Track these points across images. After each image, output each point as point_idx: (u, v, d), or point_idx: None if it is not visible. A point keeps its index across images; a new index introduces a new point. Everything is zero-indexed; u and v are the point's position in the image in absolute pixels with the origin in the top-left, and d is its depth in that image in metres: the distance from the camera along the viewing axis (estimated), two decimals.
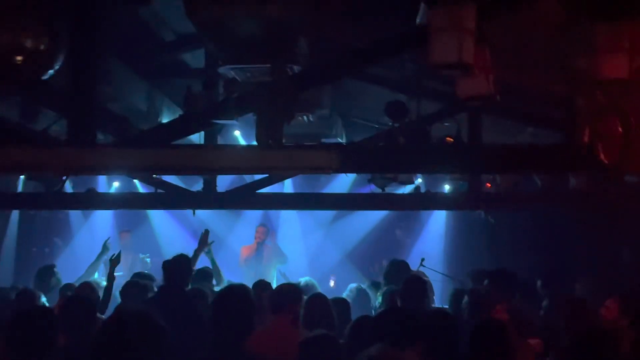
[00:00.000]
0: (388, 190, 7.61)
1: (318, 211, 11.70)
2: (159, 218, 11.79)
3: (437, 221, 12.30)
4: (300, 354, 4.34)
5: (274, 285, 9.48)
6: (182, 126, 4.77)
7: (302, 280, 7.68)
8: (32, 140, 5.17)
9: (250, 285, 8.02)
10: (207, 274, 7.56)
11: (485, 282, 6.94)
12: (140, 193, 8.89)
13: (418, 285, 6.42)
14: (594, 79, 3.37)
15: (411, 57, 6.05)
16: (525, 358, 4.94)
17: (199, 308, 6.00)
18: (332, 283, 10.10)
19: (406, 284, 6.39)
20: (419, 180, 8.85)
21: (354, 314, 6.40)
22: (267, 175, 6.79)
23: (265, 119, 4.43)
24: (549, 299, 6.86)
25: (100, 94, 5.04)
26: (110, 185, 10.62)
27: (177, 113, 7.89)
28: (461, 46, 3.03)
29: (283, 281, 9.42)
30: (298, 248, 12.02)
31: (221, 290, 5.41)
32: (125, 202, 7.56)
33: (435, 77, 6.71)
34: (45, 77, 4.45)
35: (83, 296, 5.63)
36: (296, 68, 5.03)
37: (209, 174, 6.20)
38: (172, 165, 4.26)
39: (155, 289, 7.29)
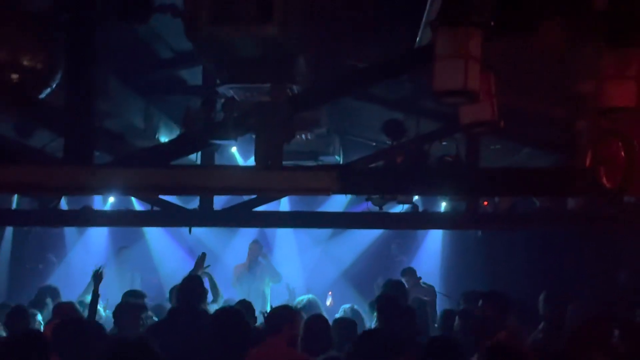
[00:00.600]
0: (385, 208, 7.59)
1: (314, 229, 11.64)
2: (154, 235, 11.72)
3: (434, 239, 12.26)
4: None
5: (268, 303, 9.44)
6: (180, 146, 4.73)
7: (305, 297, 7.63)
8: (29, 159, 5.11)
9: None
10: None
11: (480, 303, 6.90)
12: (136, 210, 8.84)
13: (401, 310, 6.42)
14: (599, 106, 3.35)
15: (409, 76, 6.04)
16: None
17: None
18: (329, 301, 10.03)
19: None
20: (416, 198, 8.83)
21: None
22: None
23: (264, 139, 4.39)
24: (547, 322, 6.80)
25: (96, 111, 4.99)
26: (105, 201, 10.56)
27: (175, 130, 7.86)
28: (466, 73, 3.00)
29: (288, 297, 9.37)
30: (294, 265, 11.96)
31: (215, 314, 5.39)
32: (121, 219, 7.50)
33: (433, 97, 6.70)
34: (42, 95, 4.41)
35: (73, 318, 5.56)
36: (296, 88, 5.01)
37: (208, 194, 6.16)
38: (171, 186, 4.22)
39: (148, 307, 7.26)
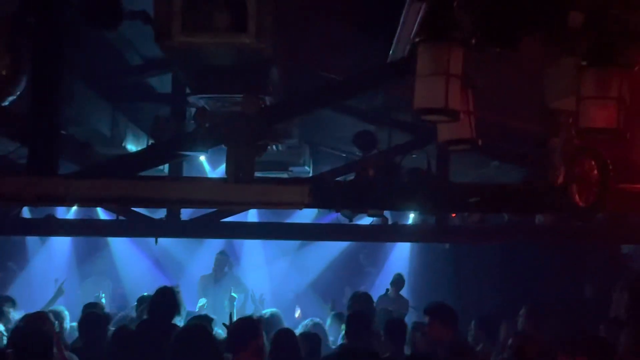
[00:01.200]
0: (355, 219, 7.54)
1: None
2: (119, 244, 11.49)
3: (402, 250, 12.26)
4: None
5: (234, 314, 9.28)
6: (149, 157, 4.61)
7: (267, 311, 7.53)
8: None
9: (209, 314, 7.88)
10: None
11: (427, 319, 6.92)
12: (101, 220, 8.65)
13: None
14: (579, 126, 3.33)
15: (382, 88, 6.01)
16: None
17: None
18: (297, 313, 9.94)
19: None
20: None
21: None
22: None
23: (235, 151, 4.31)
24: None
25: (62, 118, 4.85)
26: (69, 208, 10.31)
27: (142, 138, 7.71)
28: (447, 91, 2.96)
29: (256, 307, 9.24)
30: (261, 276, 11.84)
31: (180, 331, 5.27)
32: (86, 229, 7.34)
33: (406, 109, 6.69)
34: (5, 102, 4.26)
35: (37, 330, 5.39)
36: (268, 99, 4.94)
37: (177, 207, 6.03)
38: (138, 198, 4.11)
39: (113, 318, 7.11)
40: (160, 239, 7.49)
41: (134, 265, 11.11)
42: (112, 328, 6.81)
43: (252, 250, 12.24)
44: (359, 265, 12.31)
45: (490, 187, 4.65)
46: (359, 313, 6.58)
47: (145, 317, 6.53)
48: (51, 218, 7.07)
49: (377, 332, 6.75)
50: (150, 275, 10.74)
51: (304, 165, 8.39)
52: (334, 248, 12.16)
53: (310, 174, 8.80)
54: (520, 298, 8.66)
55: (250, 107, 4.32)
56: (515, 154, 6.69)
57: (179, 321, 7.00)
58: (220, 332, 6.45)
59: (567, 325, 7.60)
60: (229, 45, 4.16)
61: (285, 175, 8.22)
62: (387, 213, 9.03)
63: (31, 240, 11.43)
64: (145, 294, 7.61)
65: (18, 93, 4.26)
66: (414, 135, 6.85)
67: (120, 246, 11.43)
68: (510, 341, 5.61)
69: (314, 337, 6.35)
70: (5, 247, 11.06)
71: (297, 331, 7.02)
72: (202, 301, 9.38)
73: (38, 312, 6.62)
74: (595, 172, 3.88)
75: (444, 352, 5.49)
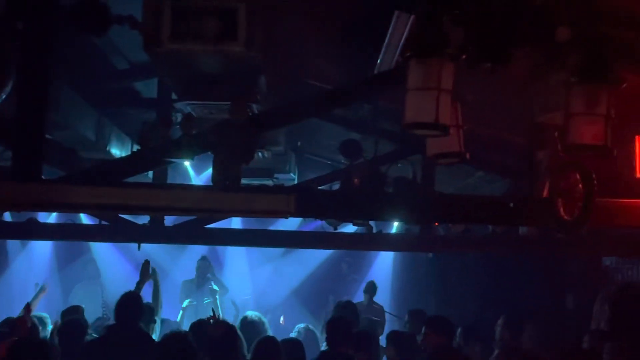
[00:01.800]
0: (339, 227, 7.54)
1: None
2: (101, 248, 11.39)
3: (385, 259, 12.27)
4: None
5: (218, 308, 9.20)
6: (135, 163, 4.57)
7: (249, 314, 7.47)
8: None
9: (192, 320, 7.84)
10: (148, 311, 7.30)
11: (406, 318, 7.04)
12: (83, 225, 8.55)
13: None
14: (567, 142, 3.35)
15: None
16: None
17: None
18: (281, 320, 9.91)
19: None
20: None
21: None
22: None
23: (222, 159, 4.29)
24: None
25: (47, 122, 4.81)
26: (50, 212, 10.22)
27: (127, 143, 7.68)
28: (438, 106, 2.97)
29: (233, 312, 9.19)
30: (245, 282, 11.80)
31: (162, 340, 5.25)
32: (68, 233, 7.25)
33: (392, 119, 6.71)
34: None
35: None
36: (256, 107, 4.93)
37: (162, 214, 5.99)
38: (123, 205, 4.08)
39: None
40: (142, 245, 7.44)
41: (115, 270, 11.01)
42: (93, 334, 6.77)
43: (236, 257, 12.18)
44: (342, 273, 12.30)
45: (475, 199, 4.67)
46: (338, 319, 6.57)
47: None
48: (33, 222, 6.99)
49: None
50: (132, 280, 10.61)
51: (289, 172, 8.39)
52: (318, 255, 12.14)
53: (296, 181, 8.81)
54: (503, 307, 8.70)
55: (238, 114, 4.30)
56: (501, 166, 6.73)
57: (156, 328, 6.98)
58: None
59: (548, 335, 7.65)
60: (218, 53, 4.15)
61: (270, 182, 8.22)
62: (371, 222, 9.05)
63: (12, 244, 11.30)
64: None
65: (3, 97, 4.22)
66: (399, 145, 6.88)
67: (103, 251, 11.33)
68: (495, 353, 5.63)
69: (294, 344, 6.33)
70: None
71: (291, 335, 7.02)
72: (186, 302, 9.35)
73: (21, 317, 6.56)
74: (580, 186, 3.91)
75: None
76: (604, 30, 3.31)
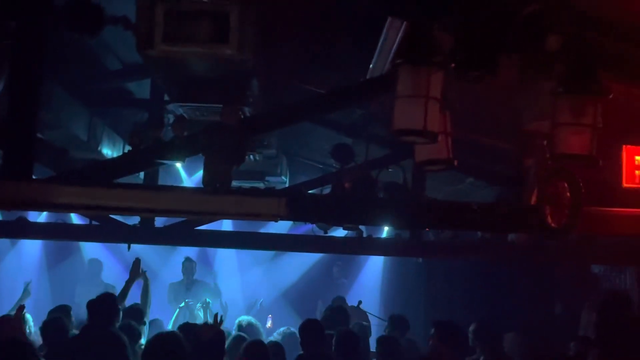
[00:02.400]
0: (330, 231, 7.56)
1: None
2: (91, 248, 11.36)
3: (375, 263, 12.28)
4: None
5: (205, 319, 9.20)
6: (126, 164, 4.59)
7: (244, 319, 7.47)
8: None
9: (180, 322, 7.83)
10: (137, 312, 7.30)
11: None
12: (74, 224, 8.54)
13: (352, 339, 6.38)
14: (553, 151, 3.39)
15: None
16: None
17: (125, 349, 5.77)
18: (269, 323, 9.90)
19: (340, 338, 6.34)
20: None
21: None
22: None
23: (213, 161, 4.31)
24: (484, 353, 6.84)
25: (39, 122, 4.82)
26: (39, 212, 10.19)
27: (118, 144, 7.67)
28: (426, 114, 3.00)
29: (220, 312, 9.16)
30: (234, 284, 11.78)
31: (151, 340, 5.24)
32: (58, 232, 7.25)
33: (383, 124, 6.74)
34: None
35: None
36: (247, 110, 4.95)
37: (153, 216, 6.00)
38: (114, 206, 4.09)
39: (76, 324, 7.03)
40: (132, 245, 7.44)
41: (105, 271, 10.98)
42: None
43: (226, 259, 12.18)
44: (332, 277, 12.30)
45: (464, 205, 4.70)
46: (312, 322, 6.57)
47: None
48: (23, 221, 6.97)
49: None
50: (121, 280, 10.59)
51: (280, 175, 8.40)
52: (308, 259, 12.14)
53: (287, 185, 8.82)
54: (490, 313, 8.74)
55: (230, 117, 4.32)
56: (490, 172, 6.77)
57: (144, 329, 6.97)
58: None
59: (536, 342, 7.68)
60: (211, 56, 4.18)
61: (261, 185, 8.23)
62: (362, 226, 9.08)
63: (1, 243, 11.25)
64: None
65: None
66: (390, 150, 6.91)
67: (92, 251, 11.31)
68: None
69: (277, 348, 6.34)
70: None
71: (272, 339, 7.02)
72: (182, 304, 9.35)
73: (6, 317, 6.54)
74: (568, 193, 3.94)
75: None
76: (592, 40, 3.35)
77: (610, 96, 3.36)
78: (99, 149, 7.15)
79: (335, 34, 5.16)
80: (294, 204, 4.31)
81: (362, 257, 12.31)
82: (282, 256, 12.23)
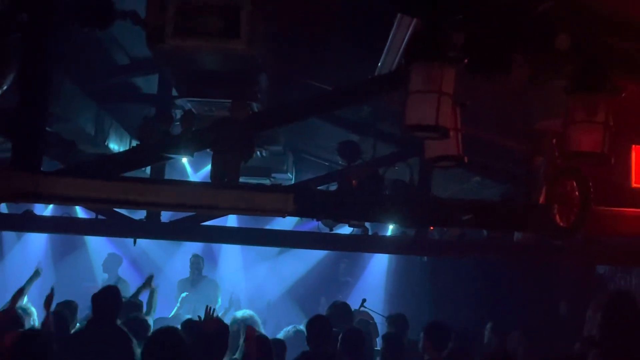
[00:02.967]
0: (335, 229, 7.56)
1: None
2: (96, 242, 11.39)
3: (380, 261, 12.27)
4: None
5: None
6: (134, 158, 4.59)
7: (242, 313, 7.49)
8: None
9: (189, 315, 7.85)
10: (134, 306, 7.33)
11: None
12: (80, 218, 8.56)
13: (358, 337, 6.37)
14: (565, 149, 3.38)
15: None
16: None
17: (130, 342, 5.80)
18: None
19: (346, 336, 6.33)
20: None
21: (290, 356, 6.30)
22: None
23: (222, 156, 4.31)
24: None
25: (48, 115, 4.82)
26: (47, 205, 10.21)
27: (125, 138, 7.68)
28: (438, 109, 2.99)
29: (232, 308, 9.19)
30: (238, 280, 11.79)
31: (152, 335, 5.26)
32: (64, 226, 7.26)
33: (390, 121, 6.73)
34: None
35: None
36: (256, 106, 4.95)
37: (160, 209, 6.00)
38: (122, 199, 4.09)
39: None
40: (138, 240, 7.46)
41: None
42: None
43: (230, 254, 12.19)
44: (336, 275, 12.30)
45: (471, 203, 4.69)
46: (319, 318, 6.57)
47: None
48: (29, 214, 6.99)
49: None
50: (126, 275, 10.65)
51: (286, 172, 8.40)
52: (313, 256, 12.15)
53: (293, 181, 8.82)
54: (495, 312, 8.74)
55: (239, 113, 4.33)
56: (497, 171, 6.75)
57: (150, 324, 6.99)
58: None
59: (540, 342, 7.68)
60: (220, 50, 4.18)
61: (267, 182, 8.24)
62: (367, 223, 9.08)
63: (7, 236, 11.30)
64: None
65: (5, 88, 4.24)
66: (397, 147, 6.90)
67: (97, 245, 11.34)
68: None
69: (279, 345, 6.36)
70: None
71: (279, 336, 7.03)
72: (184, 294, 9.41)
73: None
74: (577, 193, 3.93)
75: None
76: (603, 39, 3.33)
77: (622, 95, 3.35)
78: (106, 143, 7.16)
79: (344, 31, 5.15)
80: (302, 200, 4.31)
81: (367, 255, 12.31)
82: (287, 253, 12.24)
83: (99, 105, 6.90)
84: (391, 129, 6.92)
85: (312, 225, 8.56)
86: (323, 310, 8.97)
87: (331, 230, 7.38)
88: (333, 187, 6.66)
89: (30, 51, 4.27)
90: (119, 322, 6.10)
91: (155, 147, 4.50)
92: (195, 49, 4.14)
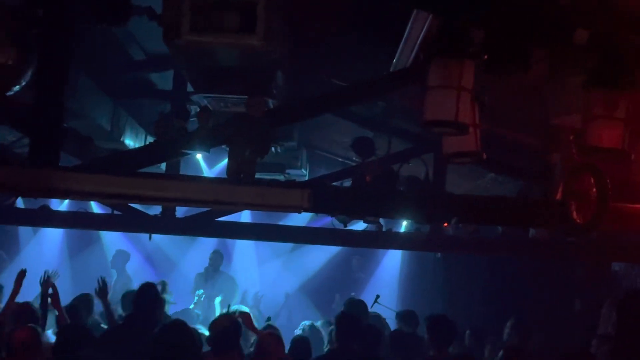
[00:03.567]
0: (349, 225, 7.54)
1: None
2: (111, 238, 11.45)
3: (393, 258, 12.25)
4: None
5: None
6: (151, 154, 4.62)
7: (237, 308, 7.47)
8: None
9: (206, 313, 7.87)
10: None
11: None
12: (95, 213, 8.61)
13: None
14: (585, 144, 3.35)
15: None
16: None
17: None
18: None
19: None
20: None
21: None
22: None
23: (238, 152, 4.32)
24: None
25: (65, 110, 4.85)
26: (62, 200, 10.26)
27: (140, 134, 7.71)
28: (458, 105, 2.98)
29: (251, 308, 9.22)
30: (252, 276, 11.82)
31: (160, 328, 5.28)
32: (80, 221, 7.30)
33: (405, 117, 6.71)
34: (10, 93, 4.25)
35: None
36: (272, 102, 4.96)
37: (176, 205, 6.03)
38: (138, 195, 4.11)
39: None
40: (153, 235, 7.49)
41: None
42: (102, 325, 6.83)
43: (245, 250, 12.21)
44: (350, 271, 12.29)
45: (485, 199, 4.68)
46: (348, 314, 6.56)
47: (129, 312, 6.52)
48: (46, 209, 7.04)
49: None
50: (141, 270, 10.71)
51: (301, 168, 8.40)
52: (327, 252, 12.14)
53: (307, 177, 8.82)
54: (509, 309, 8.70)
55: (256, 109, 4.33)
56: (512, 167, 6.72)
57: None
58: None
59: (555, 338, 7.64)
60: (237, 46, 4.18)
61: (281, 177, 8.23)
62: (381, 220, 9.06)
63: (23, 230, 11.37)
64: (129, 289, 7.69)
65: (23, 84, 4.26)
66: (412, 144, 6.88)
67: (113, 240, 11.39)
68: (501, 353, 5.64)
69: (302, 341, 6.35)
70: None
71: (296, 332, 7.03)
72: (200, 291, 9.45)
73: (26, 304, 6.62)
74: (594, 189, 3.90)
75: None
76: (623, 34, 3.31)
77: None
78: (121, 139, 7.18)
79: (360, 27, 5.14)
80: (318, 196, 4.32)
81: (381, 251, 12.28)
82: (301, 249, 12.24)
83: (115, 101, 6.93)
84: (405, 125, 6.90)
85: (326, 221, 8.56)
86: (337, 306, 8.97)
87: (345, 226, 7.37)
88: (347, 183, 6.66)
89: (47, 47, 4.30)
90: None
91: (172, 143, 4.52)
92: (212, 44, 4.15)
